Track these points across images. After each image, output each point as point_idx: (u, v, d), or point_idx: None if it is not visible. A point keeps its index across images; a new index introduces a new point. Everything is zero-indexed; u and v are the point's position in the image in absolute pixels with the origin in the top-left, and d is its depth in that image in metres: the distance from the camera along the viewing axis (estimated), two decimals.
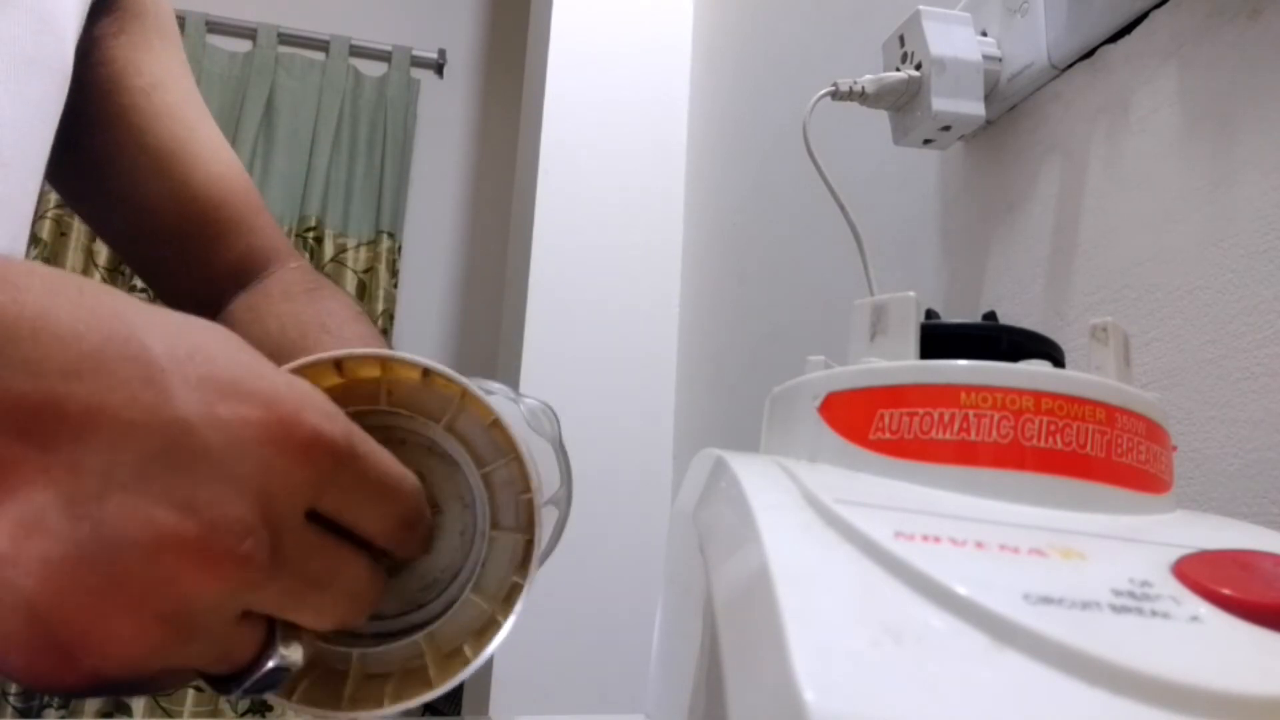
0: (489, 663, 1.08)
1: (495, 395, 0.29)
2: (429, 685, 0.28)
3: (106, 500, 0.21)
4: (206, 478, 0.22)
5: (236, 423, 0.22)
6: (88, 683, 0.22)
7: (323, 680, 0.28)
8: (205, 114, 0.59)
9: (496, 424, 0.28)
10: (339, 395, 0.26)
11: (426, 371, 0.28)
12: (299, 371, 0.27)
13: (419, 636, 0.29)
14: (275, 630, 0.24)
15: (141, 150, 0.55)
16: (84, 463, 0.21)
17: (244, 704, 1.72)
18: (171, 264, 0.58)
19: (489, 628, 0.29)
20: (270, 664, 0.24)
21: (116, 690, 0.23)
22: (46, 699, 1.67)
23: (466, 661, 0.28)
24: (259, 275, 0.58)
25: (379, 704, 0.28)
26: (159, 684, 0.24)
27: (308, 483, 0.23)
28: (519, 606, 0.29)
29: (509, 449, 0.28)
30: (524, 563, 0.29)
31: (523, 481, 0.29)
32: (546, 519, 0.34)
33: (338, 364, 0.27)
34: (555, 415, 0.37)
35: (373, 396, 0.28)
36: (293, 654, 0.25)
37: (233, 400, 0.22)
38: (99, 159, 0.55)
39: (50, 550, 0.20)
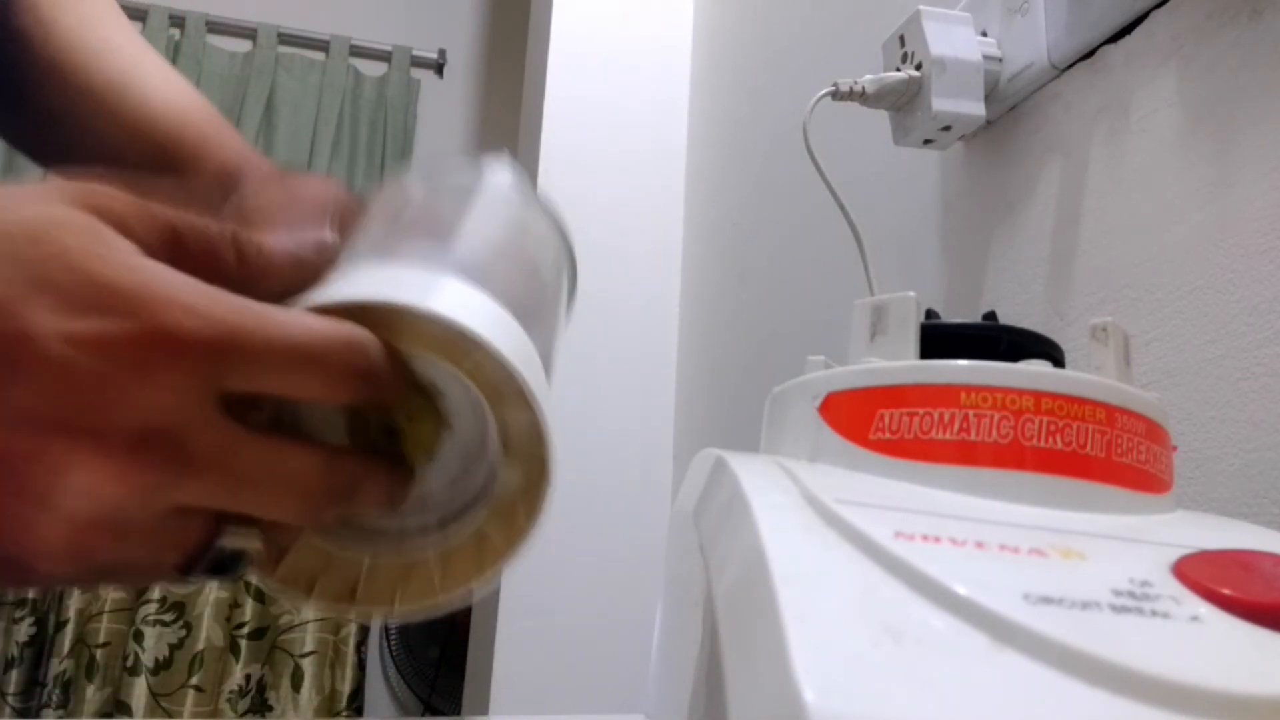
0: (489, 662, 1.08)
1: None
2: (433, 592, 0.27)
3: None
4: (73, 391, 0.21)
5: (97, 342, 0.21)
6: (43, 582, 0.23)
7: (339, 574, 0.27)
8: (147, 47, 0.57)
9: (533, 414, 0.26)
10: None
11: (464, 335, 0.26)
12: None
13: (428, 543, 0.28)
14: (223, 519, 0.24)
15: (90, 91, 0.53)
16: None
17: (244, 704, 1.72)
18: None
19: (488, 553, 0.28)
20: (218, 548, 0.24)
21: (74, 583, 0.24)
22: (45, 699, 1.67)
23: (468, 579, 0.27)
24: (238, 188, 0.57)
25: (389, 603, 0.27)
26: (115, 577, 0.24)
27: (193, 384, 0.22)
28: (512, 557, 0.27)
29: (535, 430, 0.26)
30: (528, 515, 0.27)
31: (538, 436, 0.26)
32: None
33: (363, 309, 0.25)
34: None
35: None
36: (244, 540, 0.24)
37: (91, 316, 0.21)
38: (50, 111, 0.53)
39: None
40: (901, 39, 0.59)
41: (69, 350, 0.21)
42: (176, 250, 0.24)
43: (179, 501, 0.23)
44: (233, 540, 0.24)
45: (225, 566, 0.24)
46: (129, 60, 0.54)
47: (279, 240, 0.26)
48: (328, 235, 0.28)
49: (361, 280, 0.26)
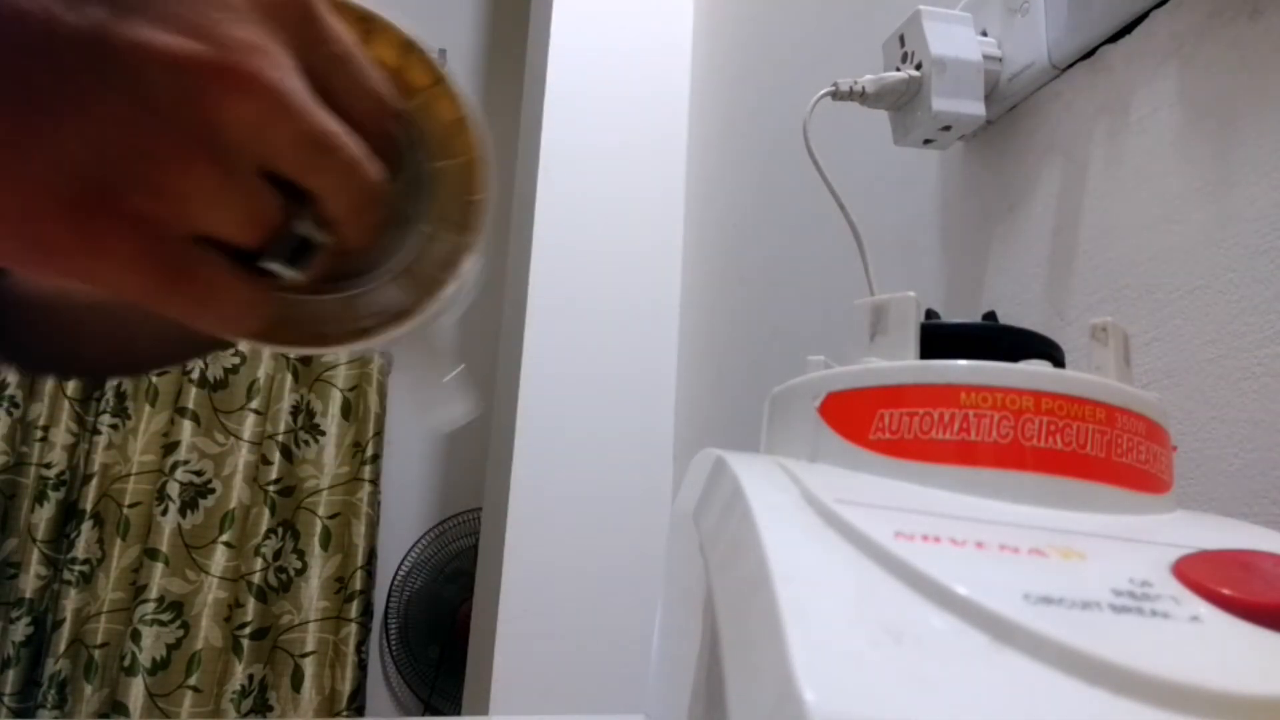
0: (489, 662, 1.08)
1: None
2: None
3: (121, 36, 0.21)
4: (204, 5, 0.22)
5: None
6: (149, 242, 0.23)
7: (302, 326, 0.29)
8: None
9: (463, 122, 0.28)
10: None
11: (410, 46, 0.28)
12: None
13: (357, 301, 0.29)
14: (291, 204, 0.25)
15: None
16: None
17: (246, 704, 1.72)
18: None
19: (402, 315, 0.29)
20: (297, 230, 0.25)
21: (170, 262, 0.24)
22: (42, 699, 1.67)
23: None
24: None
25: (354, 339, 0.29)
26: (207, 273, 0.24)
27: (297, 15, 0.24)
28: (438, 301, 0.30)
29: (467, 150, 0.28)
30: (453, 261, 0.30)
31: (473, 184, 0.29)
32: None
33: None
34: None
35: None
36: (311, 230, 0.26)
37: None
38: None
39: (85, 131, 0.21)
40: (901, 39, 0.59)
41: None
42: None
43: (274, 154, 0.24)
44: (303, 227, 0.26)
45: (296, 255, 0.26)
46: None
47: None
48: None
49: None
